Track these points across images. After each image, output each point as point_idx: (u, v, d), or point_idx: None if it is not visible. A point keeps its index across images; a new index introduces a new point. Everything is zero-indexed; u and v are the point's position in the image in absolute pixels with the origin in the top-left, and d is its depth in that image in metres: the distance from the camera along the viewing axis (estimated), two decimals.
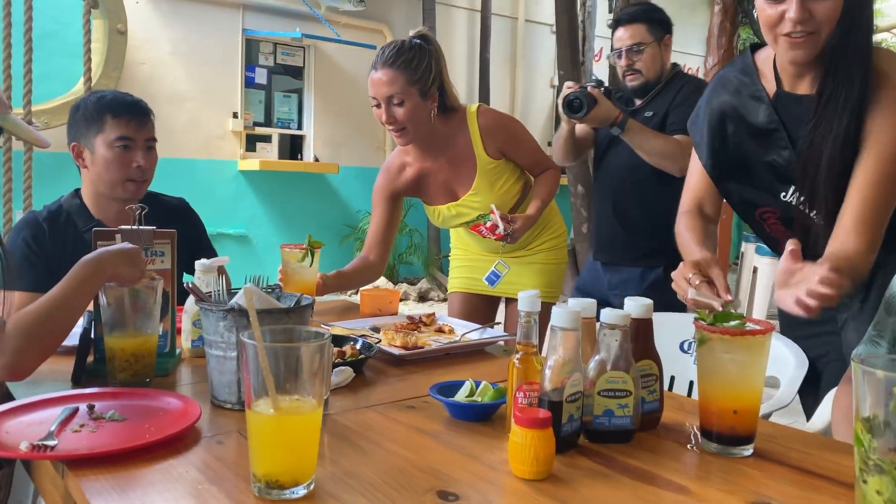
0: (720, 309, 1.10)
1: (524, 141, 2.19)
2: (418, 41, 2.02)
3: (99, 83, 5.22)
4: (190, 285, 1.29)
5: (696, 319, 1.04)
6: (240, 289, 1.21)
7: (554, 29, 7.18)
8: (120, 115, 1.82)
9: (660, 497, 0.89)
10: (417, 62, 1.99)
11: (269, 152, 6.90)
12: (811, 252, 1.30)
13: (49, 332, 1.14)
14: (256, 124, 6.87)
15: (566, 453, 1.01)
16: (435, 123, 2.07)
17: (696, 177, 1.63)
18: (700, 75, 8.22)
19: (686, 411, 1.22)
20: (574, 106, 2.17)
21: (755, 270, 4.86)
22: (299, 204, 6.98)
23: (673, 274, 1.25)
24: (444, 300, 6.52)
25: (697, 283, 1.19)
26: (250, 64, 6.78)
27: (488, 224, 2.07)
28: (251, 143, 6.80)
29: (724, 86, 1.56)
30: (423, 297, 6.82)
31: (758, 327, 1.01)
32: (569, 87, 2.20)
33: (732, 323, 1.02)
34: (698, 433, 1.07)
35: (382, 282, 6.94)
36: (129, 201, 1.85)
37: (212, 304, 1.15)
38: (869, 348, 1.27)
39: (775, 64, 1.48)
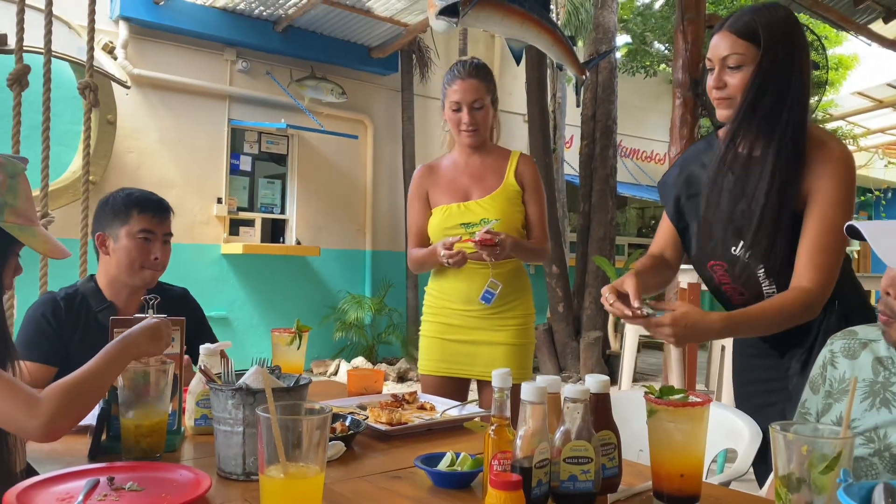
0: (629, 314, 1.48)
1: (540, 196, 2.42)
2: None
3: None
4: (202, 367, 1.43)
5: (645, 394, 1.21)
6: (244, 370, 1.36)
7: (526, 118, 7.58)
8: (145, 210, 2.03)
9: None
10: (491, 76, 2.34)
11: (251, 236, 7.08)
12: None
13: (81, 400, 1.27)
14: (240, 209, 7.07)
15: None
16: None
17: (663, 229, 1.91)
18: (665, 163, 8.58)
19: (644, 476, 1.36)
20: None
21: (723, 349, 5.02)
22: (281, 286, 7.12)
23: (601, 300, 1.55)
24: None
25: (612, 301, 1.51)
26: (235, 152, 7.03)
27: (479, 233, 2.19)
28: (234, 227, 6.98)
29: (693, 151, 1.87)
30: (402, 378, 6.88)
31: (698, 399, 1.17)
32: None
33: (677, 396, 1.18)
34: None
35: (361, 361, 7.02)
36: (142, 287, 2.04)
37: (221, 385, 1.29)
38: (800, 422, 1.43)
39: None
